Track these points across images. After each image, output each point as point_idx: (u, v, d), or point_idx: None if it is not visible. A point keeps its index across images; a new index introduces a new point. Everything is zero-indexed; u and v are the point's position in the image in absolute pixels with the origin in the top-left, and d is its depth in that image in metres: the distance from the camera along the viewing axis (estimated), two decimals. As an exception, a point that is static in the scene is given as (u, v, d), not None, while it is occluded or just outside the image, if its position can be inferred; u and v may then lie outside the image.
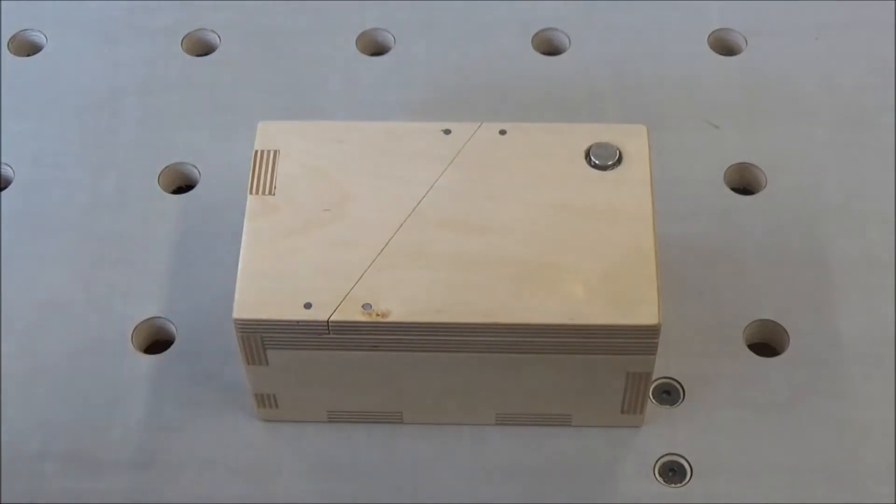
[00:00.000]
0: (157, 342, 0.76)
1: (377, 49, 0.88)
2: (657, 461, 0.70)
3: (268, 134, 0.71)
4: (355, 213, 0.68)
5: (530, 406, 0.70)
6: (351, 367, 0.67)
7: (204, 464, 0.70)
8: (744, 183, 0.81)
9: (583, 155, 0.69)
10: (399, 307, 0.65)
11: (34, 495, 0.69)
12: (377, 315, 0.64)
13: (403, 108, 0.84)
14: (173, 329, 0.75)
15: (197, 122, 0.83)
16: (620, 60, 0.86)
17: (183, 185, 0.82)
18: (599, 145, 0.69)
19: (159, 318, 0.75)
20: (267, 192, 0.69)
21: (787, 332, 0.74)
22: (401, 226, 0.67)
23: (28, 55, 0.88)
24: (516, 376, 0.68)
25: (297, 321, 0.65)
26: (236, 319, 0.65)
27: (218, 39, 0.88)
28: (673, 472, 0.70)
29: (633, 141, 0.70)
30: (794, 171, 0.81)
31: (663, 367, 0.72)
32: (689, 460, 0.70)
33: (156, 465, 0.70)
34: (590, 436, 0.71)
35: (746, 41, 0.87)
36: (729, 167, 0.81)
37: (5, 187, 0.81)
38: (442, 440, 0.71)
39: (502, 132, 0.70)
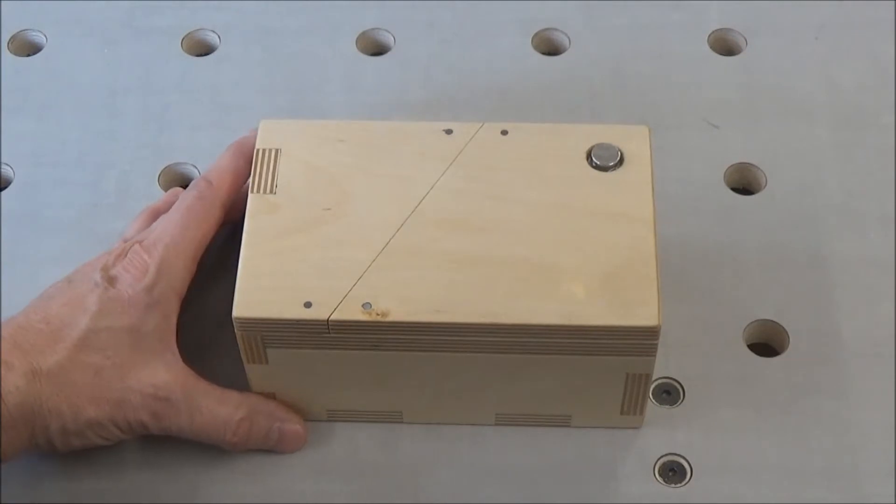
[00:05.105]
0: (157, 342, 0.76)
1: (377, 49, 0.88)
2: (657, 461, 0.70)
3: (269, 132, 0.71)
4: (356, 213, 0.68)
5: (530, 406, 0.70)
6: (351, 367, 0.67)
7: (204, 464, 0.70)
8: (744, 183, 0.81)
9: (584, 156, 0.69)
10: (399, 307, 0.64)
11: (34, 495, 0.69)
12: (377, 314, 0.64)
13: (403, 108, 0.84)
14: (173, 329, 0.75)
15: (197, 122, 0.83)
16: (620, 60, 0.86)
17: (183, 185, 0.81)
18: (601, 146, 0.69)
19: (159, 317, 0.75)
20: (268, 190, 0.69)
21: (787, 332, 0.74)
22: (402, 225, 0.67)
23: (28, 55, 0.88)
24: (516, 377, 0.68)
25: (297, 320, 0.65)
26: (236, 318, 0.65)
27: (218, 39, 0.87)
28: (673, 472, 0.70)
29: (635, 142, 0.70)
30: (794, 171, 0.81)
31: (663, 367, 0.72)
32: (689, 460, 0.70)
33: (156, 465, 0.70)
34: (590, 436, 0.71)
35: (746, 41, 0.87)
36: (729, 167, 0.81)
37: (5, 187, 0.81)
38: (442, 440, 0.71)
39: (504, 132, 0.70)
